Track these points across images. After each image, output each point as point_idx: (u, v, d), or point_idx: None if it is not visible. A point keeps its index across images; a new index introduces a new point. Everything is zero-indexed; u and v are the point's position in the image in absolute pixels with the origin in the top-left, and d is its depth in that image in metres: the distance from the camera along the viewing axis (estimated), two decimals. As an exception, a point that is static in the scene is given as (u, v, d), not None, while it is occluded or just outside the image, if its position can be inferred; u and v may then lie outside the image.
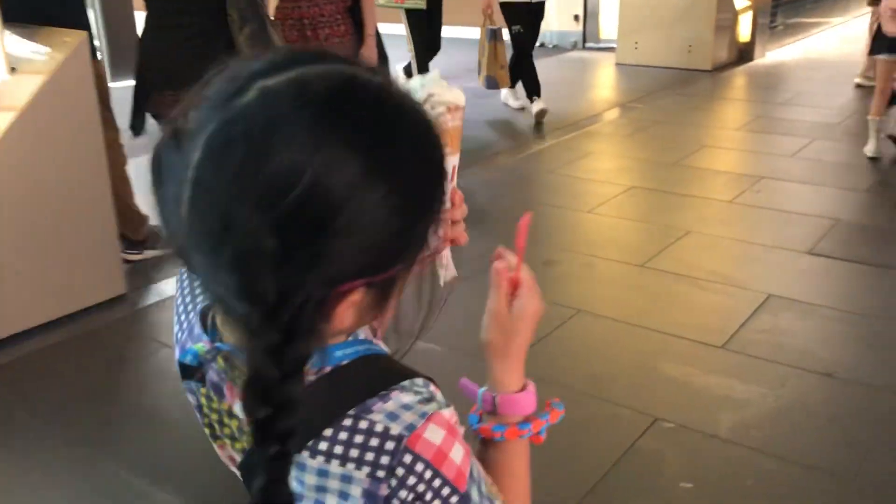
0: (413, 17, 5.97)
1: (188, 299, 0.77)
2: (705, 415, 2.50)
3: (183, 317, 0.76)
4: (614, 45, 8.63)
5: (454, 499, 0.62)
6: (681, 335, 2.96)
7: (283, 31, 3.62)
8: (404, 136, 0.58)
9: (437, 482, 0.61)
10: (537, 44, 6.48)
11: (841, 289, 3.39)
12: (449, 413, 0.63)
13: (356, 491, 0.61)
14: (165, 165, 0.58)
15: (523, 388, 0.78)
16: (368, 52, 3.74)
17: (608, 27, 9.26)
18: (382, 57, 4.05)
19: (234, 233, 0.52)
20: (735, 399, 2.58)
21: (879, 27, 4.92)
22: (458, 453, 0.62)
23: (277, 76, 0.56)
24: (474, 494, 0.64)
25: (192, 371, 0.70)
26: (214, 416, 0.71)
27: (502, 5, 5.95)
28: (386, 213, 0.56)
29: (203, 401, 0.71)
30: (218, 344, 0.67)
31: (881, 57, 5.06)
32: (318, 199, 0.52)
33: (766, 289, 3.29)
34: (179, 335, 0.75)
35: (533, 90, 6.10)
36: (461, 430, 0.64)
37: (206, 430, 0.74)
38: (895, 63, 4.99)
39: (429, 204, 0.61)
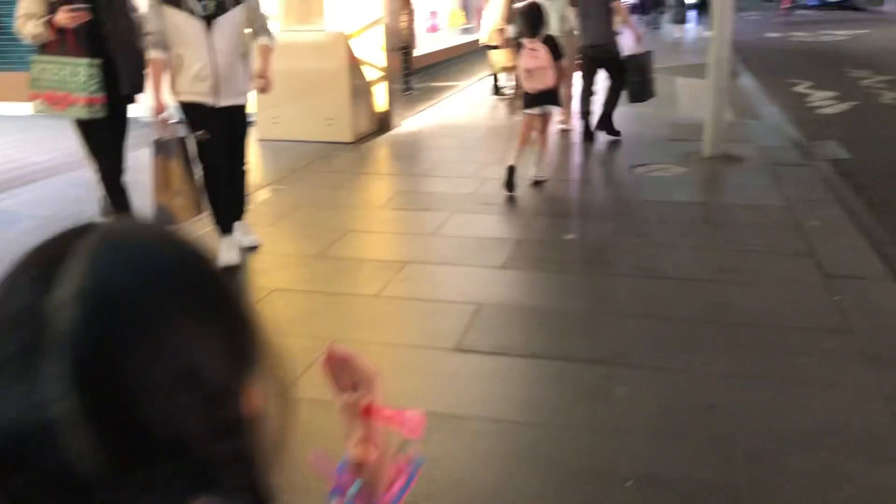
0: (87, 127, 4.36)
1: None
2: None
3: None
4: (253, 120, 8.27)
5: None
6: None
7: None
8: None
9: None
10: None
11: (491, 392, 3.26)
12: None
13: None
14: None
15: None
16: None
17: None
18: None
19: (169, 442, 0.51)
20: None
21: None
22: None
23: (73, 276, 0.50)
24: None
25: None
26: None
27: (182, 105, 4.47)
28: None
29: None
30: None
31: (524, 112, 6.21)
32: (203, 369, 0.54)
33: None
34: None
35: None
36: None
37: None
38: (534, 117, 6.16)
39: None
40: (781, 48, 17.89)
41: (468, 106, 10.15)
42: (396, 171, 7.41)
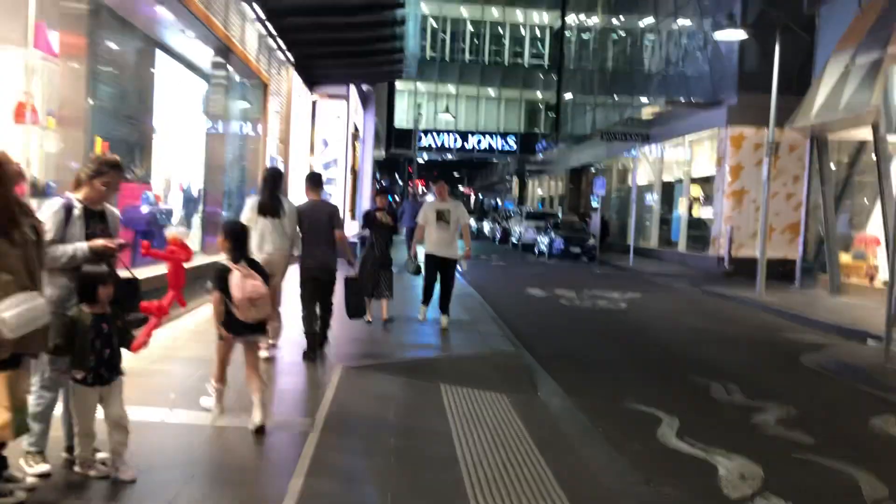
0: None
1: None
2: None
3: None
4: None
5: None
6: None
7: None
8: None
9: None
10: None
11: None
12: None
13: None
14: None
15: None
16: None
17: None
18: None
19: None
20: None
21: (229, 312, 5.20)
22: None
23: None
24: None
25: None
26: None
27: None
28: None
29: None
30: None
31: (228, 335, 5.34)
32: None
33: None
34: None
35: None
36: None
37: None
38: (235, 343, 5.42)
39: None
40: (562, 317, 13.28)
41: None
42: None
